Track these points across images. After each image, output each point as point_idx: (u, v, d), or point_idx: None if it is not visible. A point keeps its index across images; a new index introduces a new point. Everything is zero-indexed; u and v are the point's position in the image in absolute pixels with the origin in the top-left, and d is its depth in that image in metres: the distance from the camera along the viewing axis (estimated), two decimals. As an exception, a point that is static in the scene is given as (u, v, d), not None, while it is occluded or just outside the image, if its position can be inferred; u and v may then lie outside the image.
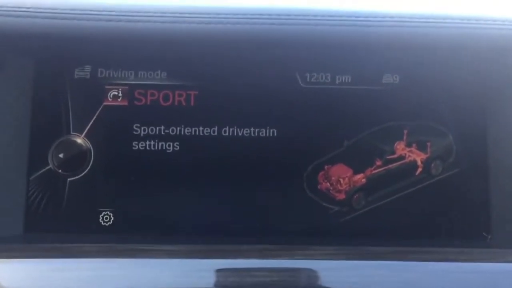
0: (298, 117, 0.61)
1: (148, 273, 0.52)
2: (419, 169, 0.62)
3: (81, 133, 0.61)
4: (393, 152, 0.62)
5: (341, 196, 0.61)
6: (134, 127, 0.61)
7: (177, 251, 0.55)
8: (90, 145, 0.60)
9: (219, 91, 0.61)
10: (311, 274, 0.49)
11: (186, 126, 0.61)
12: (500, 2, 0.60)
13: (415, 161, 0.62)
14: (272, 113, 0.61)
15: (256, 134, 0.61)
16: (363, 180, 0.61)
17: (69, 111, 0.60)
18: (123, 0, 0.56)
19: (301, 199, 0.61)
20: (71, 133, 0.61)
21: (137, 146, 0.61)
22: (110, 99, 0.61)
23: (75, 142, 0.60)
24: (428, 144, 0.62)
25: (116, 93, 0.61)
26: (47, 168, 0.60)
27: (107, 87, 0.61)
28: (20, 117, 0.59)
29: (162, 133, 0.61)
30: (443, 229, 0.61)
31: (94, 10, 0.55)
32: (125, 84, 0.61)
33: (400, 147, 0.62)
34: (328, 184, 0.61)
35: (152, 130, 0.61)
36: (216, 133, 0.61)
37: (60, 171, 0.60)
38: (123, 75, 0.61)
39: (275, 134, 0.61)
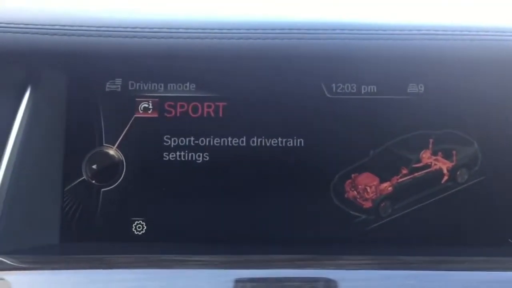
0: (325, 127, 0.62)
1: (180, 283, 0.53)
2: (445, 177, 0.62)
3: (113, 145, 0.62)
4: (419, 161, 0.62)
5: (368, 205, 0.62)
6: (165, 138, 0.62)
7: (208, 261, 0.56)
8: (122, 156, 0.62)
9: (247, 102, 0.62)
10: (342, 285, 0.50)
11: (215, 137, 0.62)
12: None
13: (441, 170, 0.62)
14: (299, 123, 0.62)
15: (283, 144, 0.62)
16: (390, 188, 0.62)
17: (101, 123, 0.62)
18: (153, 16, 0.58)
19: (328, 207, 0.62)
20: (104, 144, 0.62)
21: (167, 157, 0.62)
22: (140, 111, 0.62)
23: (107, 153, 0.62)
24: (454, 152, 0.63)
25: (146, 105, 0.62)
26: (81, 179, 0.62)
27: (137, 99, 0.62)
28: (55, 129, 0.61)
29: (192, 144, 0.62)
30: (469, 237, 0.61)
31: (125, 28, 0.56)
32: (155, 97, 0.63)
33: (426, 156, 0.62)
34: (355, 192, 0.62)
35: (182, 141, 0.62)
36: (244, 144, 0.62)
37: (93, 181, 0.62)
38: (153, 88, 0.63)
39: (302, 144, 0.62)
